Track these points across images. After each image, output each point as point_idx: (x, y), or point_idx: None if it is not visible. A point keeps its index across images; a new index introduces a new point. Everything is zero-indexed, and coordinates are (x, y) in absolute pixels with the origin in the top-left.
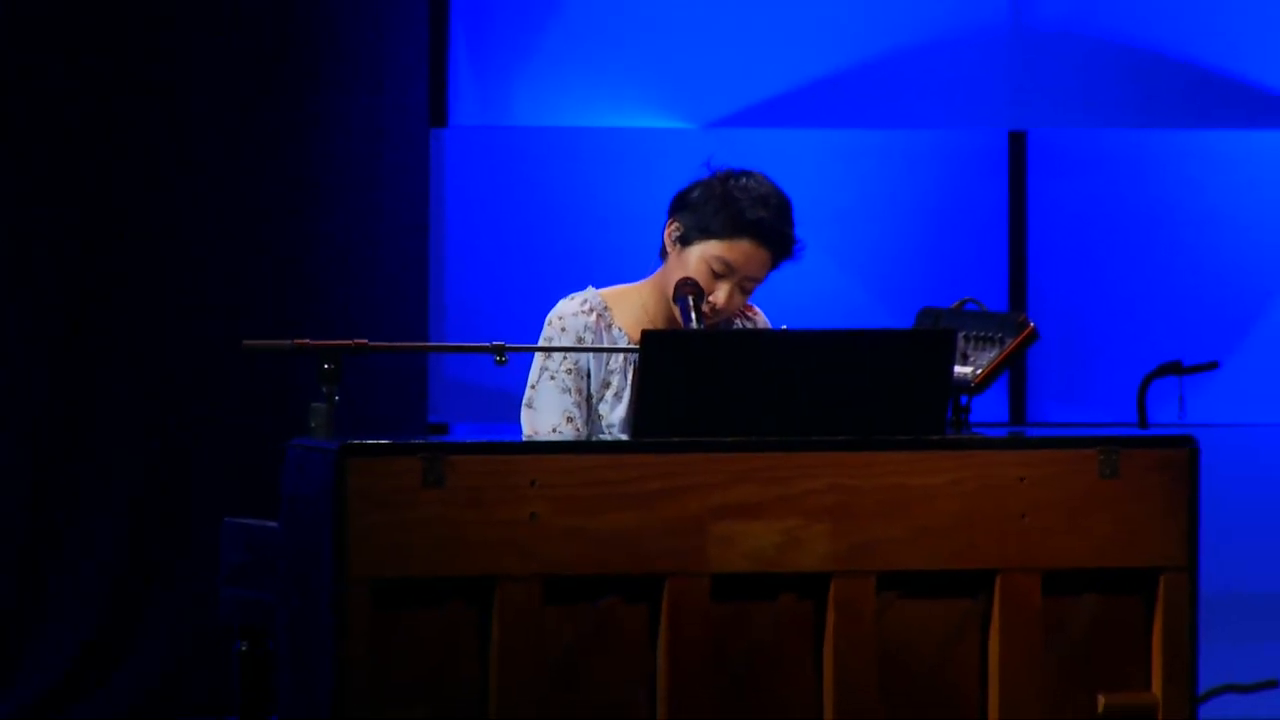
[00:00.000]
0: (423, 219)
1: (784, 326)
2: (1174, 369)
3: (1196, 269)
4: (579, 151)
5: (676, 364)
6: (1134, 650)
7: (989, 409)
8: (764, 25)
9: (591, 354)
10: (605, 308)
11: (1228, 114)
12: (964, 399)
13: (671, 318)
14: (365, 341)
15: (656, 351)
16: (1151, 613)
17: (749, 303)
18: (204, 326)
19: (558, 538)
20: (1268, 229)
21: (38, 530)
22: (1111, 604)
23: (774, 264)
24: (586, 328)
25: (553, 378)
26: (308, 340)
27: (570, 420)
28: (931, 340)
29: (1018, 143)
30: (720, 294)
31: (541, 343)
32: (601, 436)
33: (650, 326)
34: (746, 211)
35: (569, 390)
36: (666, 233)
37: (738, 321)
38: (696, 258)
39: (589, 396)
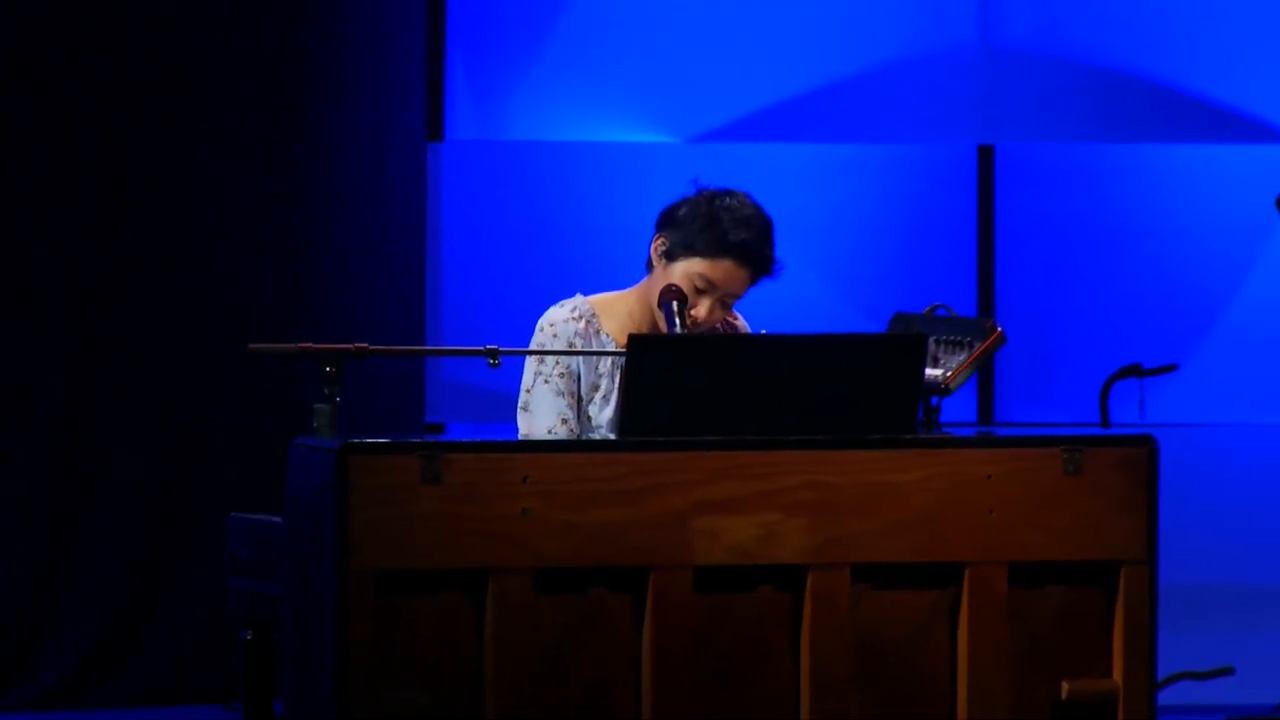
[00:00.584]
0: (420, 229)
1: (764, 331)
2: (1134, 371)
3: (1156, 276)
4: (569, 164)
5: (661, 367)
6: (1096, 639)
7: (958, 410)
8: (744, 45)
9: (581, 358)
10: (593, 314)
11: (1185, 129)
12: (935, 400)
13: (656, 325)
14: (366, 345)
15: (642, 355)
16: (1113, 603)
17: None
18: (212, 331)
19: (549, 532)
20: (1223, 238)
21: (55, 526)
22: (1075, 595)
23: (753, 281)
24: (576, 333)
25: (547, 381)
26: (311, 344)
27: (565, 421)
28: (904, 344)
29: (986, 156)
30: (702, 309)
31: (533, 348)
32: (590, 436)
33: (637, 331)
34: (730, 233)
35: (562, 393)
36: (653, 246)
37: (719, 326)
38: (681, 273)
39: (579, 399)
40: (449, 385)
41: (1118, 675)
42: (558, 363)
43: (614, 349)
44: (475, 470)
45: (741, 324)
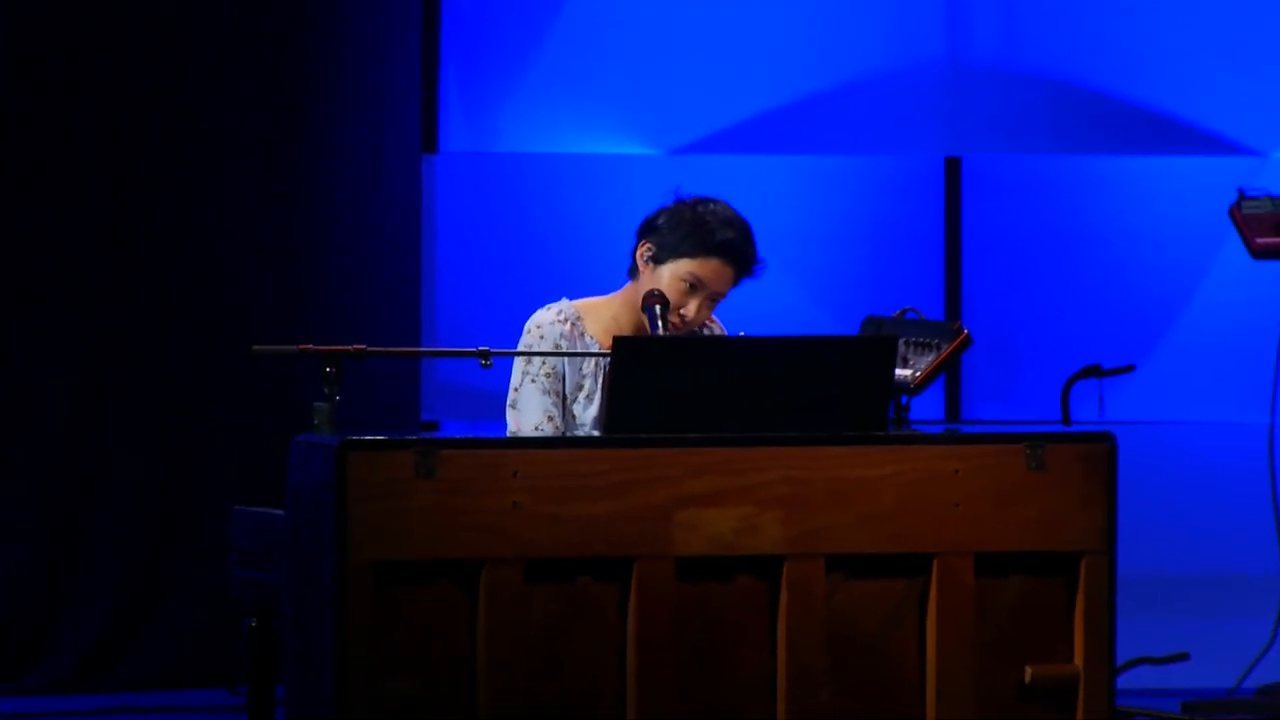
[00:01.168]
0: (415, 236)
1: (741, 333)
2: (1094, 371)
3: (1114, 281)
4: (556, 175)
5: (645, 367)
6: (1058, 626)
7: (927, 408)
8: (723, 62)
9: (566, 359)
10: (578, 317)
11: (1143, 142)
12: (904, 399)
13: (639, 327)
14: (364, 347)
15: (626, 356)
16: (1074, 592)
17: None
18: (215, 332)
19: (538, 524)
20: (1178, 245)
21: (65, 519)
22: (1037, 584)
23: (737, 281)
24: (561, 335)
25: (534, 381)
26: (311, 346)
27: (551, 419)
28: (875, 346)
29: (953, 168)
30: (691, 308)
31: (521, 348)
32: (576, 433)
33: (620, 334)
34: (716, 233)
35: (548, 392)
36: (639, 253)
37: (698, 328)
38: (669, 275)
39: (565, 397)
40: (443, 385)
41: (1078, 660)
42: (544, 363)
43: (598, 350)
44: (468, 466)
45: (718, 327)
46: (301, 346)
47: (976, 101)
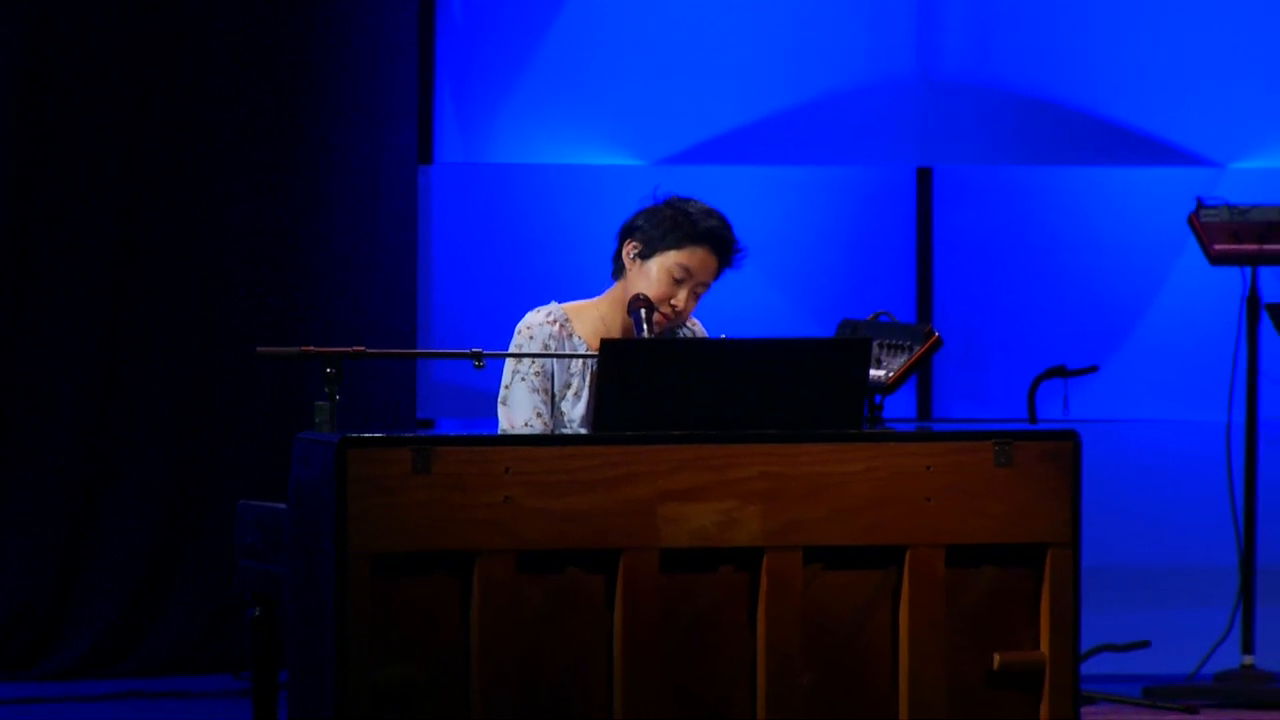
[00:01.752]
0: (412, 243)
1: (723, 335)
2: (1059, 372)
3: (1078, 285)
4: (547, 185)
5: (631, 368)
6: (1025, 615)
7: (899, 407)
8: (704, 78)
9: (555, 358)
10: (566, 319)
11: (1107, 153)
12: (878, 398)
13: (625, 327)
14: (363, 348)
15: (614, 357)
16: (1040, 583)
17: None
18: (222, 335)
19: (529, 517)
20: (1139, 252)
21: (79, 513)
22: (1005, 575)
23: (720, 271)
24: (550, 335)
25: (523, 379)
26: (313, 347)
27: (539, 415)
28: (850, 347)
29: (924, 178)
30: (681, 298)
31: (512, 349)
32: (564, 430)
33: (606, 335)
34: (699, 223)
35: (537, 390)
36: (625, 252)
37: (681, 330)
38: (658, 268)
39: (553, 394)
40: (438, 385)
41: (1044, 648)
42: (533, 362)
43: (585, 350)
44: (462, 462)
45: (699, 328)
46: (303, 348)
47: (947, 115)
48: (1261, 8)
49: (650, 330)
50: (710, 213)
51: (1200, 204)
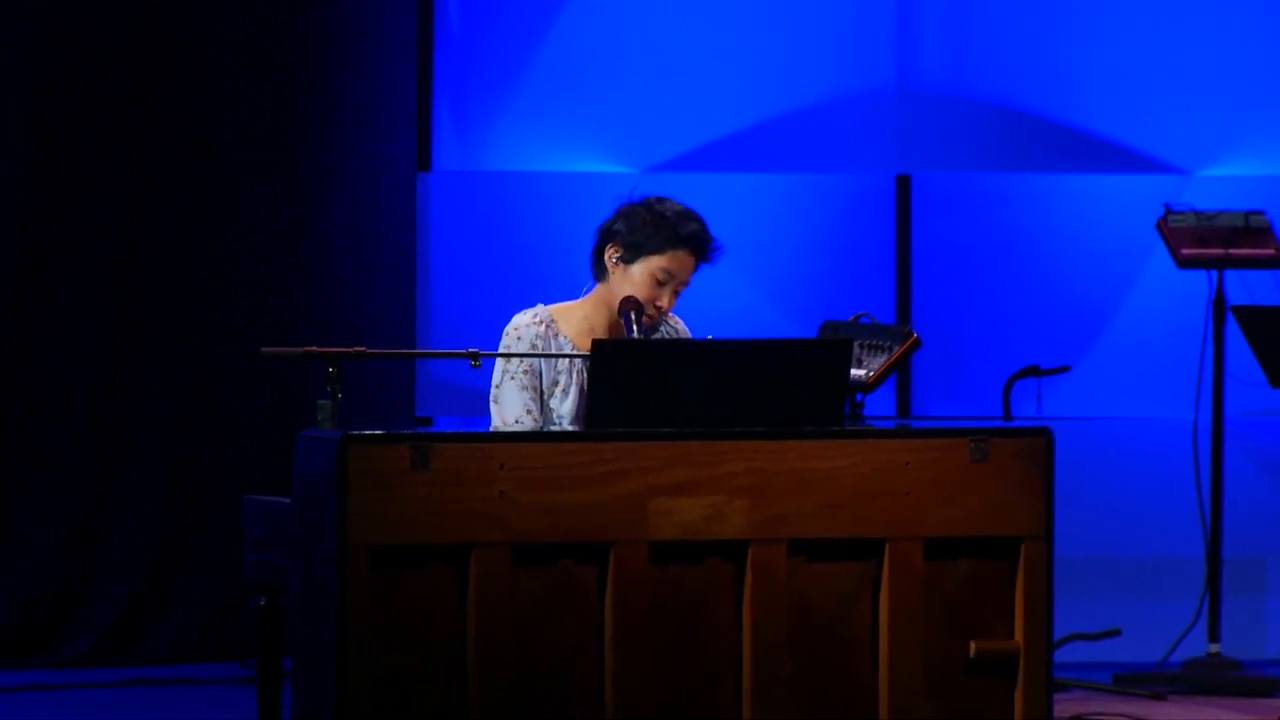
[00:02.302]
0: (411, 248)
1: (709, 336)
2: (1033, 372)
3: (1051, 288)
4: (540, 192)
5: (621, 368)
6: (1000, 605)
7: (880, 405)
8: (690, 89)
9: (543, 357)
10: (552, 320)
11: (1079, 161)
12: (859, 396)
13: (609, 326)
14: (363, 349)
15: (605, 357)
16: (1015, 574)
17: (672, 314)
18: (229, 336)
19: (523, 512)
20: (1110, 256)
21: (92, 507)
22: (981, 567)
23: (697, 268)
24: (537, 336)
25: (513, 378)
26: (315, 348)
27: (529, 412)
28: (832, 348)
29: (903, 185)
30: (665, 299)
31: (500, 349)
32: (553, 425)
33: (591, 334)
34: (679, 227)
35: (526, 388)
36: (607, 255)
37: (664, 330)
38: (641, 272)
39: (542, 392)
40: (436, 383)
41: (1019, 636)
42: (521, 362)
43: (571, 348)
44: (459, 458)
45: (682, 327)
46: (306, 349)
47: (925, 125)
48: (1227, 23)
49: (640, 331)
50: (688, 215)
51: (1168, 210)
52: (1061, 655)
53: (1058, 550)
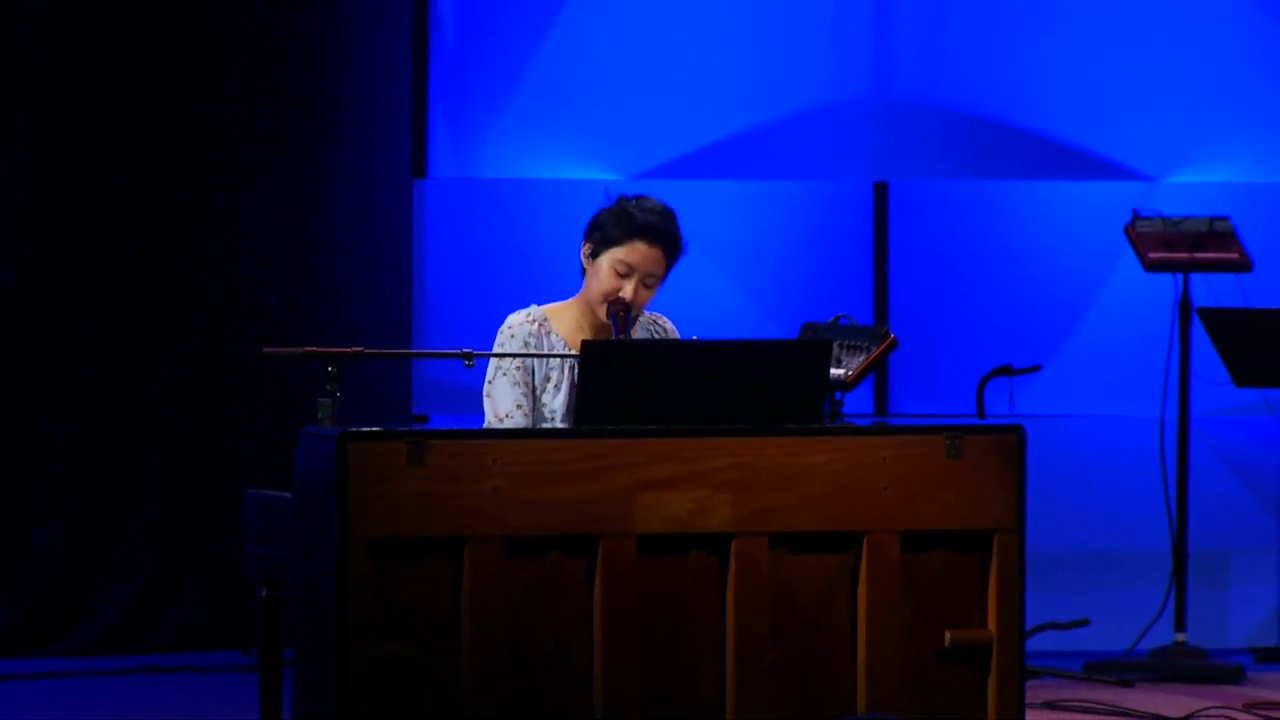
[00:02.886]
0: (407, 251)
1: (695, 337)
2: (1005, 371)
3: (1023, 291)
4: (530, 197)
5: (610, 367)
6: (974, 596)
7: (858, 403)
8: (677, 99)
9: (535, 357)
10: (545, 319)
11: (1050, 168)
12: (838, 395)
13: (596, 324)
14: (362, 349)
15: (594, 357)
16: (988, 565)
17: (659, 314)
18: (233, 336)
19: (515, 506)
20: (1079, 260)
21: (100, 503)
22: (956, 559)
23: (668, 261)
24: (529, 334)
25: (505, 374)
26: (315, 348)
27: (520, 407)
28: (812, 348)
29: (881, 191)
30: (627, 289)
31: (495, 346)
32: (545, 420)
33: (579, 333)
34: (637, 218)
35: (518, 384)
36: (582, 254)
37: (651, 331)
38: (605, 265)
39: (534, 388)
40: (432, 382)
41: (992, 626)
42: (514, 359)
43: (563, 348)
44: (453, 454)
45: (669, 326)
46: (306, 349)
47: (902, 133)
48: (1194, 36)
49: (628, 332)
50: (652, 210)
51: (1136, 215)
52: (1033, 644)
53: (1029, 543)
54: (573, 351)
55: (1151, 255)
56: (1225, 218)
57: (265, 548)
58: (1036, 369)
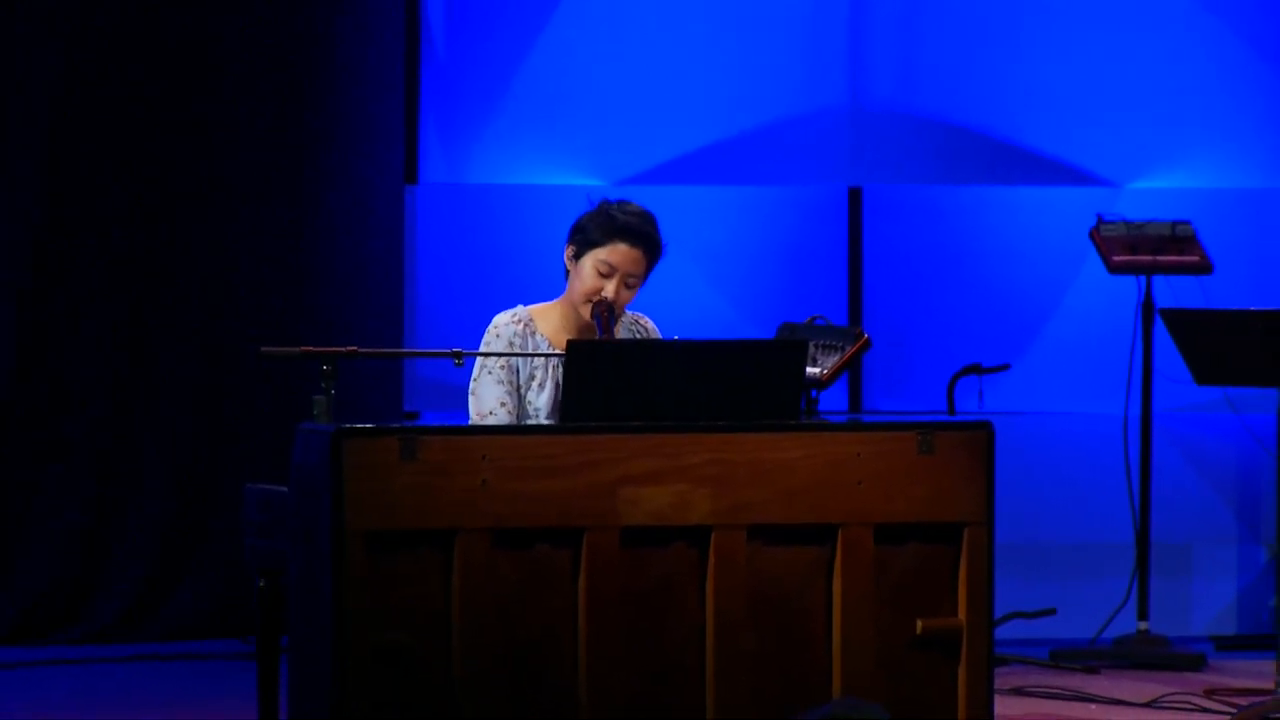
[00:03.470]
0: (399, 254)
1: (676, 337)
2: (975, 370)
3: (992, 292)
4: (517, 202)
5: (595, 366)
6: (945, 586)
7: (833, 400)
8: (659, 107)
9: (520, 356)
10: (530, 319)
11: (1018, 174)
12: (814, 392)
13: (579, 324)
14: (356, 348)
15: (579, 356)
16: (958, 557)
17: (640, 314)
18: (232, 336)
19: (503, 499)
20: (1046, 262)
21: (105, 497)
22: (927, 551)
23: (648, 262)
24: (515, 334)
25: (490, 373)
26: (311, 348)
27: (503, 404)
28: (789, 348)
29: (855, 196)
30: (609, 289)
31: (481, 346)
32: (529, 417)
33: (563, 332)
34: (617, 219)
35: (502, 382)
36: (565, 256)
37: (633, 330)
38: (587, 266)
39: (518, 386)
40: (422, 380)
41: (962, 615)
42: (499, 358)
43: (547, 347)
44: (444, 450)
45: (650, 326)
46: (303, 349)
47: (875, 140)
48: (1156, 48)
49: (612, 331)
50: (632, 212)
51: (1100, 220)
52: (1001, 632)
53: (998, 535)
54: (557, 351)
55: (1115, 258)
56: (1187, 222)
57: (264, 540)
58: (1005, 368)
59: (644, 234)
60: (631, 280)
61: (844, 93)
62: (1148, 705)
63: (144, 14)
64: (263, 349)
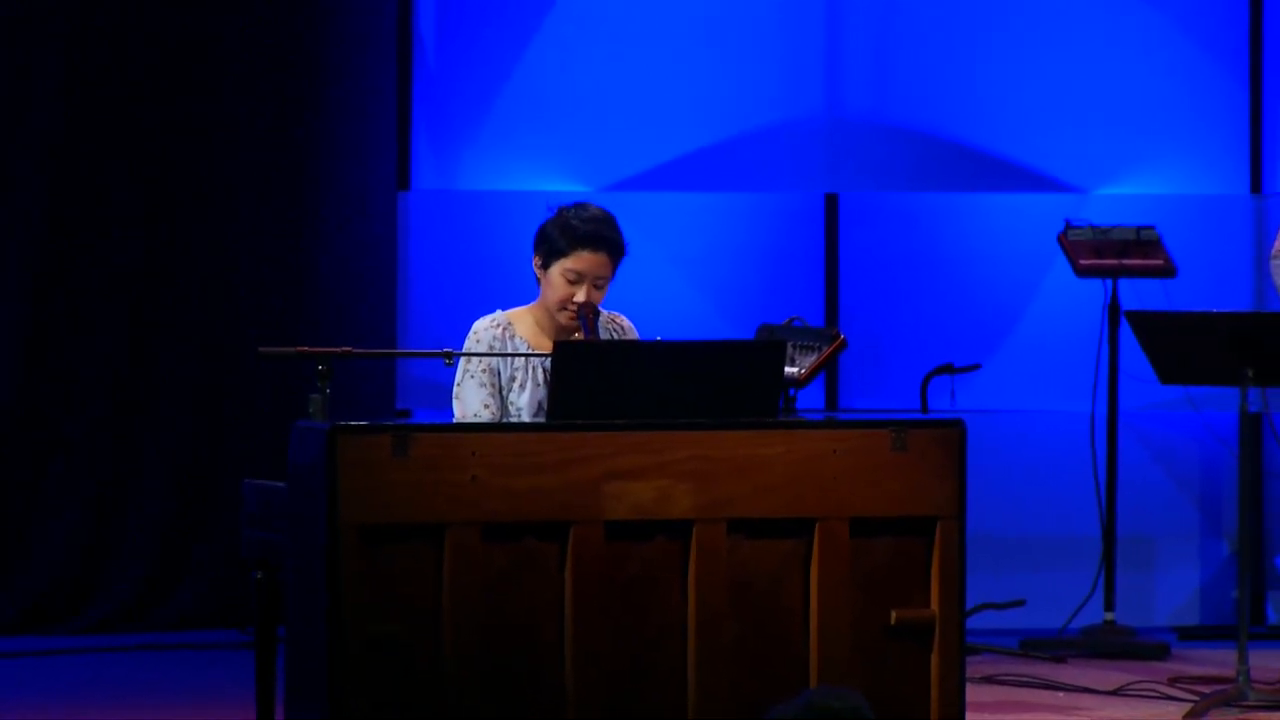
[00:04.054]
0: (392, 257)
1: (658, 338)
2: (947, 369)
3: (964, 295)
4: (506, 208)
5: (580, 366)
6: (918, 578)
7: (810, 399)
8: (643, 116)
9: (503, 357)
10: (509, 323)
11: (989, 181)
12: (792, 391)
13: (555, 326)
14: (350, 349)
15: (565, 356)
16: (931, 550)
17: (617, 313)
18: (231, 337)
19: (492, 494)
20: (1015, 266)
21: (109, 492)
22: (901, 544)
23: (613, 263)
24: (494, 337)
25: (472, 376)
26: (307, 348)
27: (486, 406)
28: (768, 348)
29: (832, 202)
30: (580, 294)
31: (464, 348)
32: (511, 416)
33: (540, 334)
34: (579, 228)
35: (485, 385)
36: (534, 265)
37: (611, 330)
38: (556, 275)
39: (500, 388)
40: (414, 379)
41: (935, 606)
42: (480, 361)
43: (526, 347)
44: (435, 447)
45: (628, 326)
46: (300, 349)
47: (851, 148)
48: (1122, 59)
49: (595, 333)
50: (590, 217)
51: (1068, 225)
52: (973, 623)
53: (970, 528)
54: (536, 352)
55: (1083, 262)
56: (1151, 227)
57: (261, 533)
58: (976, 367)
59: (605, 238)
60: (600, 282)
61: (820, 103)
62: (1114, 693)
63: (144, 14)
64: (261, 349)
